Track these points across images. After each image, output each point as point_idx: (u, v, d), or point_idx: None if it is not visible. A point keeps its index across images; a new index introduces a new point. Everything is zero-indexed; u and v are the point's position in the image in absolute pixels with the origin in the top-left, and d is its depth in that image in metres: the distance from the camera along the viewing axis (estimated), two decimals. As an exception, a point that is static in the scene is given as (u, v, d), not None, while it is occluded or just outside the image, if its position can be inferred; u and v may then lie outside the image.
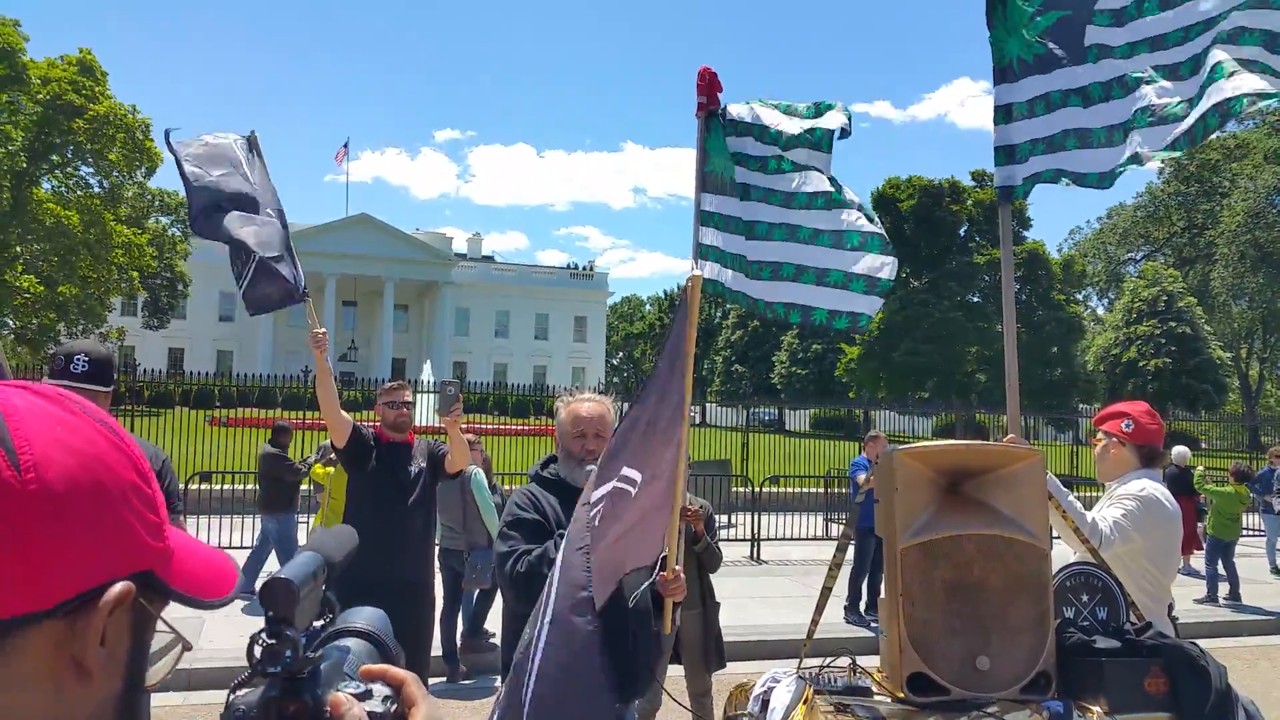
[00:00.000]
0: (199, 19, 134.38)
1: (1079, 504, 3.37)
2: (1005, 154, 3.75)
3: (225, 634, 7.57)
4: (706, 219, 4.86)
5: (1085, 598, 2.99)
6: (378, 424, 5.36)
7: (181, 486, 6.88)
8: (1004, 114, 3.76)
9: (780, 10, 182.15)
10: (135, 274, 39.97)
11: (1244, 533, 13.61)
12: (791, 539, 15.28)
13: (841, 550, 3.08)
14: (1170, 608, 3.70)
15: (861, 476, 10.44)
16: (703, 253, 4.85)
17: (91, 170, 40.23)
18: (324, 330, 4.91)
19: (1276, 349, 62.98)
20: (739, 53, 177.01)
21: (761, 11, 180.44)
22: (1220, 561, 12.30)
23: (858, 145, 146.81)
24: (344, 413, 5.03)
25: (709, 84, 4.41)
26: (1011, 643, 2.74)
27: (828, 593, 3.03)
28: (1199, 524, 13.58)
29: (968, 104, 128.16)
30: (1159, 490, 3.55)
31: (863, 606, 10.06)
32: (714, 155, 4.73)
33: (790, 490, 17.78)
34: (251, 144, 5.07)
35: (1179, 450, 14.01)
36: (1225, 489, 12.83)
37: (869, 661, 2.95)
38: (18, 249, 37.88)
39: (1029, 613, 2.76)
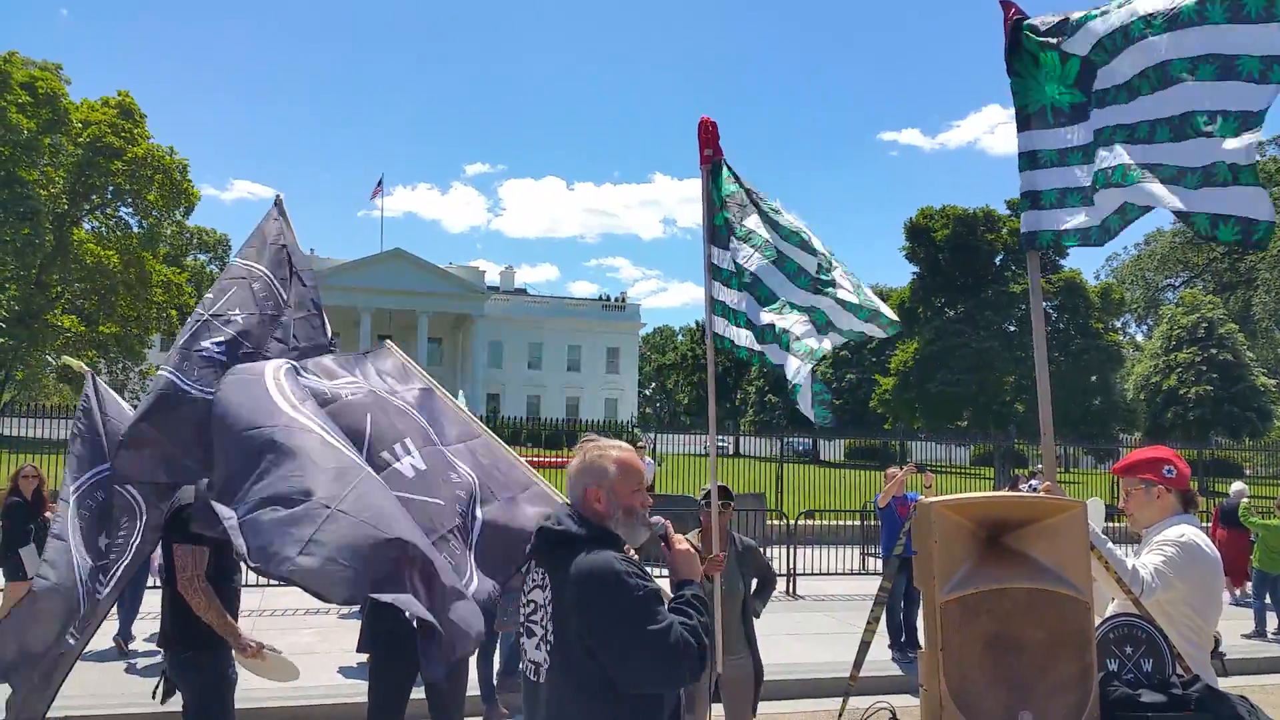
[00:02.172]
0: (236, 62, 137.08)
1: (1119, 552, 3.30)
2: (1030, 200, 3.68)
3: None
4: (716, 273, 4.93)
5: (1129, 650, 2.92)
6: None
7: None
8: (1029, 160, 3.67)
9: (807, 40, 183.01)
10: (174, 312, 40.51)
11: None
12: (828, 574, 15.12)
13: (880, 604, 3.04)
14: (1217, 643, 3.61)
15: (883, 500, 10.33)
16: (715, 309, 4.94)
17: (131, 210, 40.86)
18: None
19: (1321, 374, 61.89)
20: (766, 82, 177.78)
21: (788, 41, 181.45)
22: (1269, 595, 12.14)
23: (887, 174, 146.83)
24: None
25: (711, 135, 4.41)
26: (1054, 698, 2.68)
27: (866, 647, 2.98)
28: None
29: (998, 131, 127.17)
30: (1199, 536, 3.48)
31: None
32: (720, 208, 4.77)
33: (826, 523, 17.59)
34: (278, 206, 4.99)
35: (1238, 487, 14.20)
36: (1271, 522, 12.62)
37: (909, 701, 2.90)
38: (59, 289, 38.53)
39: (1072, 666, 2.70)
